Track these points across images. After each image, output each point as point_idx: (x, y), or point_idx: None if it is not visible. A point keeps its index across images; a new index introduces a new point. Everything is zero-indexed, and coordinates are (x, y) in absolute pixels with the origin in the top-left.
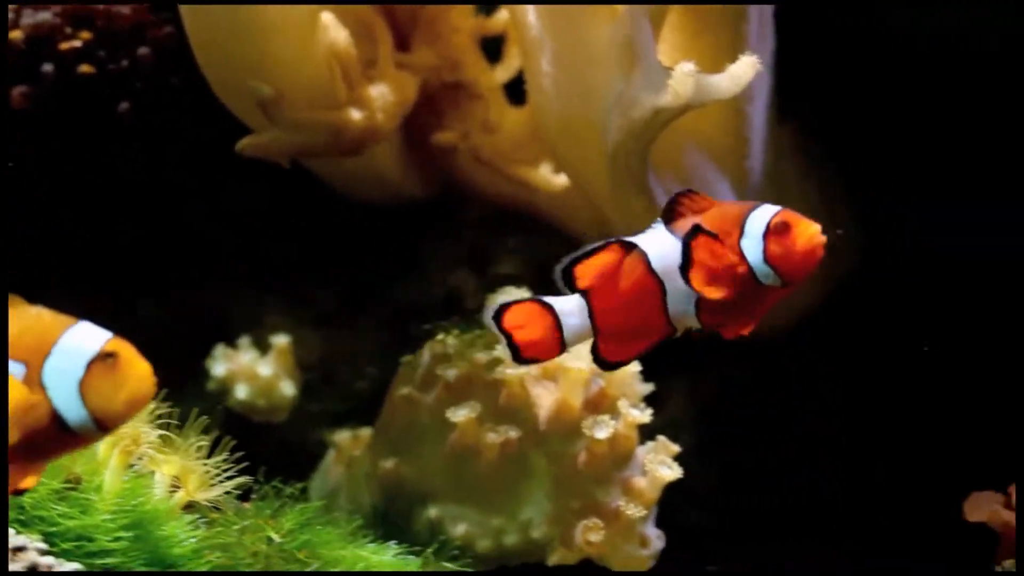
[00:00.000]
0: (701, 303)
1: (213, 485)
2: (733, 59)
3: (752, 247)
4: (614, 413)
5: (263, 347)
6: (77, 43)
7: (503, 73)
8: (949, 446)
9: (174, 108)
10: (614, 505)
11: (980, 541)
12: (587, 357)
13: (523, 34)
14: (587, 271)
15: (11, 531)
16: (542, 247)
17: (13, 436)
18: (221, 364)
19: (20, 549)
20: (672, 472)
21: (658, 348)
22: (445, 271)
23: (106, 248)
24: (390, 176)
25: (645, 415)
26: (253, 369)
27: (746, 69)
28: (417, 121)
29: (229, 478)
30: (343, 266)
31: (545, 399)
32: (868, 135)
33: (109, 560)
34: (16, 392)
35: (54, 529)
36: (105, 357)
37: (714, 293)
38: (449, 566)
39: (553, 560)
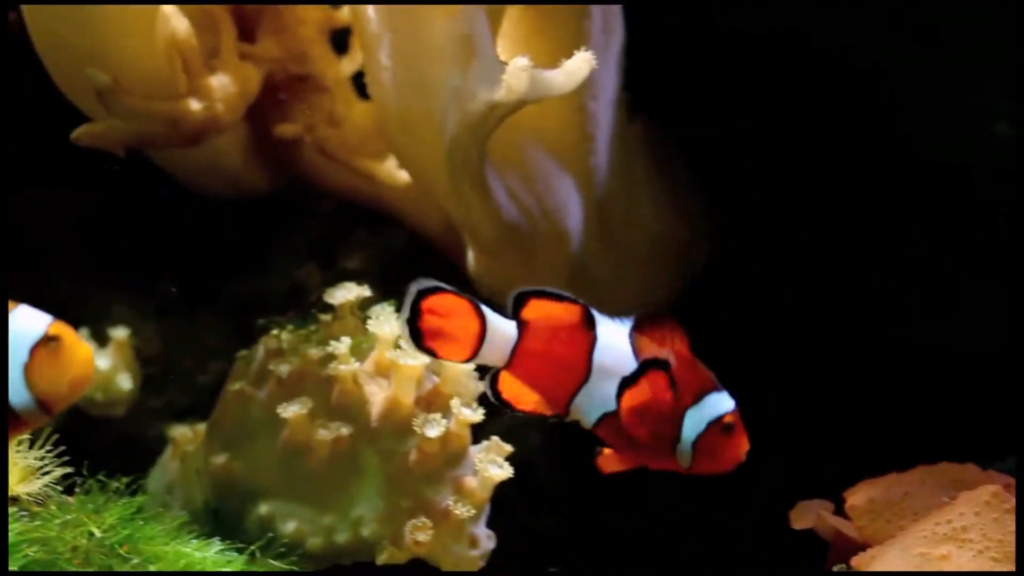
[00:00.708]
0: (605, 422)
1: (36, 478)
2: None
3: (693, 424)
4: (447, 412)
5: (102, 339)
6: None
7: (349, 65)
8: (796, 447)
9: (14, 96)
10: (444, 504)
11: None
12: (421, 355)
13: (362, 28)
14: (538, 309)
15: None
16: (389, 242)
17: None
18: None
19: None
20: (503, 472)
21: None
22: (290, 265)
23: None
24: (234, 168)
25: (478, 414)
26: None
27: (581, 65)
28: (262, 113)
29: (59, 472)
30: (186, 258)
31: (378, 396)
32: (720, 131)
33: None
34: None
35: None
36: (48, 341)
37: (631, 430)
38: (277, 564)
39: (382, 559)
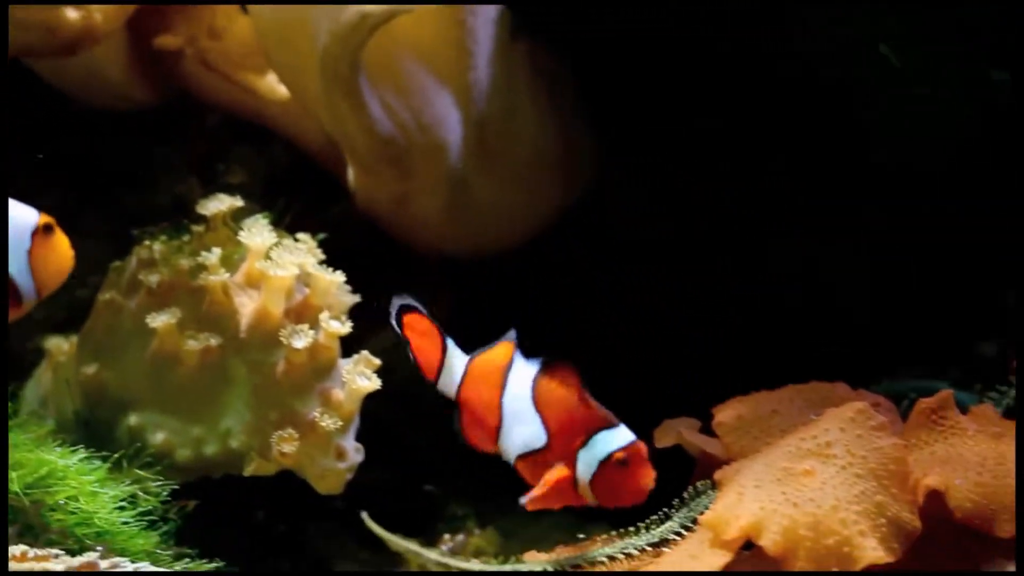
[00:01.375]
0: (520, 465)
1: None
2: None
3: (587, 463)
4: (316, 324)
5: None
6: None
7: None
8: (670, 369)
9: None
10: (311, 416)
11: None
12: (290, 265)
13: None
14: (486, 353)
15: None
16: (272, 157)
17: None
18: None
19: None
20: (370, 383)
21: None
22: (173, 179)
23: None
24: (117, 80)
25: (346, 327)
26: None
27: None
28: (144, 24)
29: None
30: (68, 171)
31: (248, 307)
32: (608, 52)
33: None
34: None
35: None
36: (43, 229)
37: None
38: (142, 473)
39: (249, 471)
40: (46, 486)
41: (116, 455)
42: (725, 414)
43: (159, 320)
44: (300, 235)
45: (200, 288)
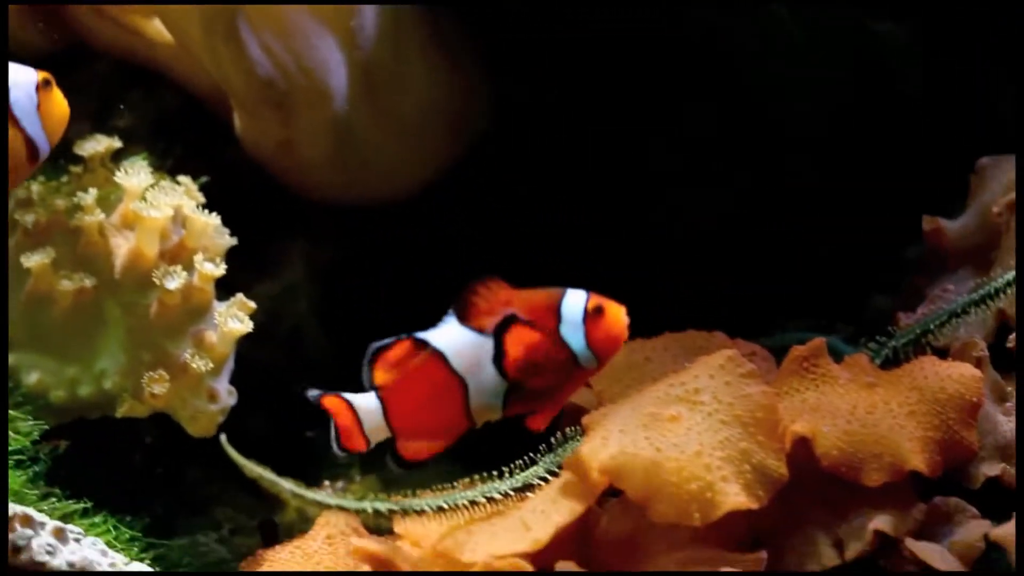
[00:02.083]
0: (512, 395)
1: None
2: None
3: (573, 333)
4: (191, 266)
5: None
6: None
7: None
8: None
9: None
10: (183, 358)
11: None
12: (165, 206)
13: None
14: (383, 367)
15: None
16: (161, 101)
17: None
18: None
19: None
20: (243, 326)
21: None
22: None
23: None
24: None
25: (220, 269)
26: None
27: None
28: None
29: None
30: None
31: (123, 248)
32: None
33: None
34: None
35: None
36: (44, 84)
37: (539, 383)
38: (15, 413)
39: (122, 412)
40: None
41: None
42: None
43: (33, 260)
44: (180, 177)
45: (76, 229)
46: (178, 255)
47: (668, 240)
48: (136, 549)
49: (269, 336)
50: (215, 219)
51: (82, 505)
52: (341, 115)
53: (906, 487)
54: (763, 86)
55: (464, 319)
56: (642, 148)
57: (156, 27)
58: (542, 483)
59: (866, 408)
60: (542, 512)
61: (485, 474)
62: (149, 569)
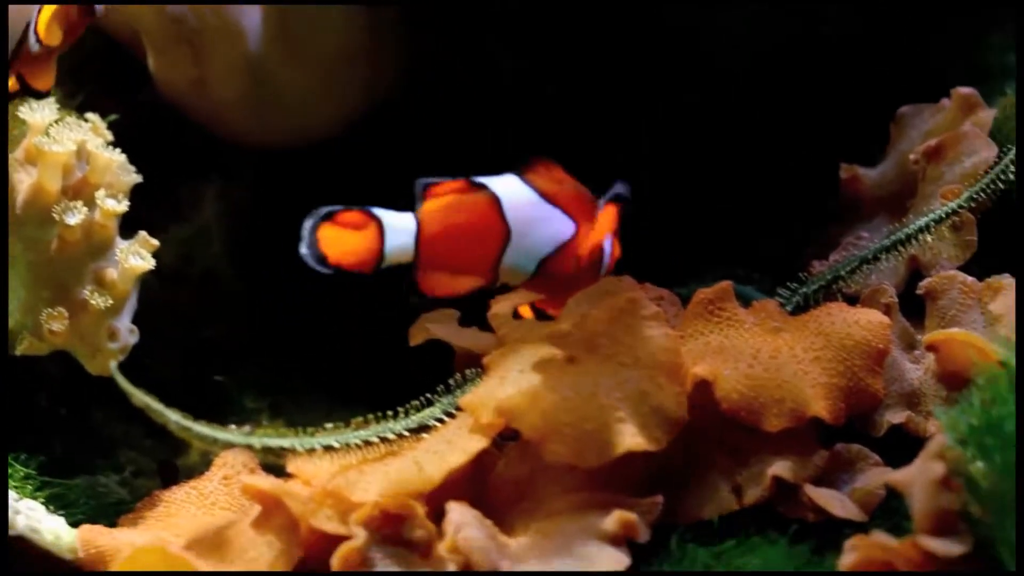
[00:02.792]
0: (546, 269)
1: None
2: None
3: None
4: (94, 203)
5: None
6: None
7: None
8: None
9: None
10: (83, 295)
11: None
12: (68, 141)
13: None
14: (432, 197)
15: None
16: (80, 43)
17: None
18: None
19: None
20: (144, 263)
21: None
22: None
23: None
24: None
25: (123, 205)
26: None
27: None
28: None
29: None
30: None
31: (26, 184)
32: None
33: None
34: None
35: None
36: None
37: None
38: None
39: (21, 349)
40: None
41: None
42: (501, 305)
43: None
44: (88, 115)
45: None
46: (81, 191)
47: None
48: (30, 488)
49: (182, 278)
50: (120, 156)
51: None
52: (254, 54)
53: (808, 433)
54: (684, 27)
55: (527, 179)
56: (560, 97)
57: None
58: (439, 424)
59: (770, 353)
60: (436, 453)
61: (380, 414)
62: None
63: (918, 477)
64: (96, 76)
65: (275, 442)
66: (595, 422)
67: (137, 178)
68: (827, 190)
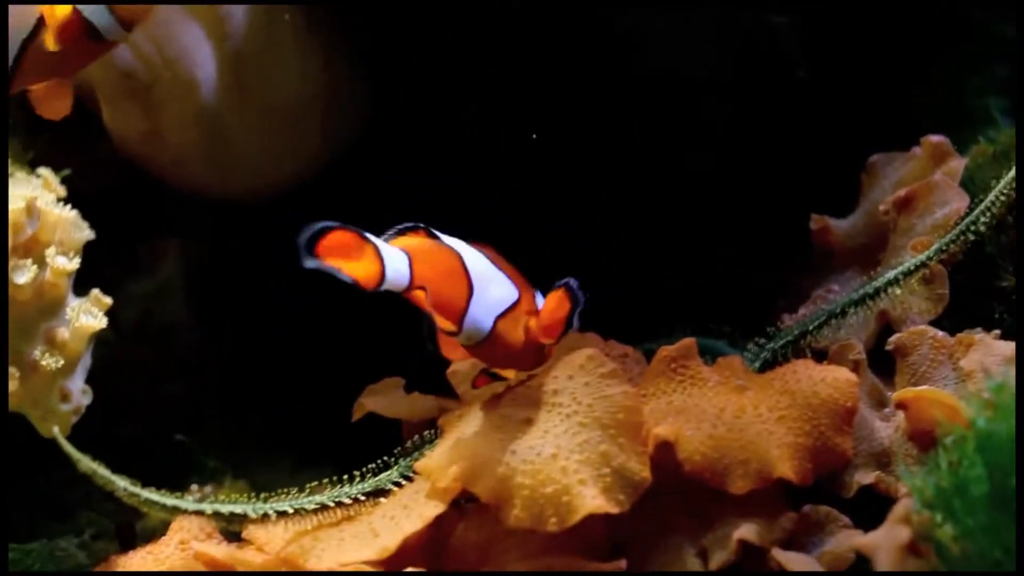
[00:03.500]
0: (497, 329)
1: None
2: None
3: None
4: (44, 261)
5: None
6: None
7: None
8: None
9: None
10: (33, 356)
11: None
12: (17, 198)
13: None
14: (402, 239)
15: None
16: None
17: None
18: None
19: None
20: (96, 321)
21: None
22: None
23: None
24: None
25: (74, 263)
26: None
27: None
28: None
29: None
30: None
31: None
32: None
33: None
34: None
35: None
36: None
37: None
38: None
39: None
40: None
41: None
42: (461, 364)
43: None
44: (40, 169)
45: None
46: (31, 249)
47: (562, 246)
48: None
49: (142, 335)
50: (71, 212)
51: None
52: (208, 106)
53: (775, 495)
54: (654, 79)
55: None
56: (527, 146)
57: None
58: (395, 488)
59: (734, 412)
60: (391, 519)
61: (335, 478)
62: None
63: (883, 542)
64: (52, 129)
65: (227, 508)
66: (555, 485)
67: (90, 235)
68: (802, 241)
